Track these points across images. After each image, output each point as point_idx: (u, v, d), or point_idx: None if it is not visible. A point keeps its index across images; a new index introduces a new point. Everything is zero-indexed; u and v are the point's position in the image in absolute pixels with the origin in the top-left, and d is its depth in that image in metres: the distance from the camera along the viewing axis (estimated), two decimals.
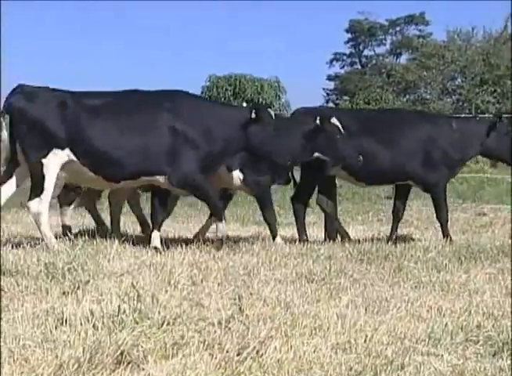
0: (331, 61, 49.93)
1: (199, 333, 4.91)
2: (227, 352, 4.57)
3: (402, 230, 11.28)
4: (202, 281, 6.76)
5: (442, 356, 4.69)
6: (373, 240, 9.89)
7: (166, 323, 5.02)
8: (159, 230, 9.35)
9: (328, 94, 47.77)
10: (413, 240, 10.28)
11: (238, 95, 43.69)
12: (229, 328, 5.00)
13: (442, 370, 4.44)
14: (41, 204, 9.02)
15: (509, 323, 5.34)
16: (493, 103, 32.26)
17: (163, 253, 8.46)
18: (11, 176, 9.13)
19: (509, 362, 4.58)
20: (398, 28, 47.27)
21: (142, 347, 4.61)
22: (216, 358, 4.50)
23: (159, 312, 5.18)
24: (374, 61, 47.53)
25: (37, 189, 9.06)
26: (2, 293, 5.99)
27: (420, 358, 4.61)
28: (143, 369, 4.41)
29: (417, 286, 6.88)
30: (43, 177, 9.04)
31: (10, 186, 9.18)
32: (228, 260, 8.00)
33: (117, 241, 9.12)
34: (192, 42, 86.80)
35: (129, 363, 4.46)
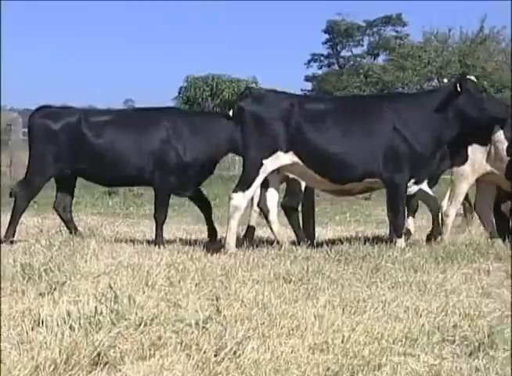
0: (309, 62, 50.17)
1: (176, 333, 4.91)
2: (204, 352, 4.57)
3: (379, 231, 11.31)
4: (179, 282, 6.75)
5: (419, 356, 4.71)
6: (350, 240, 9.90)
7: (143, 323, 5.02)
8: None
9: (305, 94, 47.87)
10: (391, 240, 10.28)
11: (215, 96, 43.68)
12: (207, 329, 5.00)
13: (419, 370, 4.46)
14: (243, 199, 9.29)
15: (485, 324, 5.37)
16: None
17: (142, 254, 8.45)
18: None
19: (485, 362, 4.60)
20: (375, 29, 47.46)
21: (118, 348, 4.61)
22: (193, 359, 4.50)
23: (136, 313, 5.17)
24: (352, 62, 47.70)
25: (244, 185, 9.33)
26: None
27: (396, 358, 4.63)
28: (120, 370, 4.41)
29: (394, 286, 6.89)
30: (256, 176, 9.30)
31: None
32: (205, 261, 8.01)
33: (94, 242, 9.12)
34: (170, 42, 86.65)
35: (106, 364, 4.46)
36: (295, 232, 10.45)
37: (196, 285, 6.62)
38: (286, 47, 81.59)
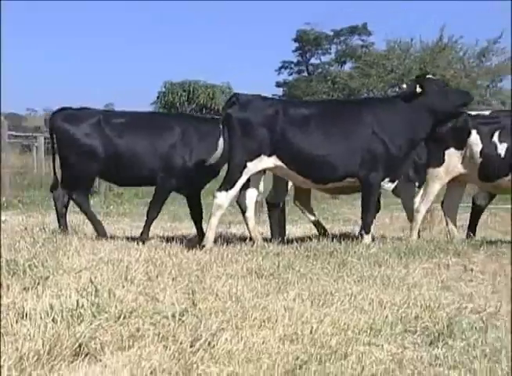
0: (280, 69, 50.12)
1: (154, 325, 4.89)
2: (180, 343, 4.56)
3: (346, 228, 11.34)
4: (157, 276, 6.73)
5: (383, 345, 4.72)
6: (318, 237, 9.93)
7: (122, 316, 5.00)
8: None
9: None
10: (357, 237, 10.30)
11: (192, 101, 43.62)
12: (183, 321, 4.99)
13: (382, 358, 4.46)
14: (226, 198, 9.37)
15: (444, 315, 5.39)
16: None
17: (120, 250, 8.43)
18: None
19: (444, 350, 4.62)
20: (342, 38, 47.51)
21: (99, 339, 4.59)
22: (170, 349, 4.49)
23: (116, 306, 5.15)
24: (320, 69, 47.71)
25: (228, 184, 9.39)
26: None
27: (361, 348, 4.63)
28: (100, 360, 4.38)
29: (360, 280, 6.91)
30: (240, 177, 9.37)
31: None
32: (182, 256, 7.99)
33: (76, 239, 9.09)
34: (149, 49, 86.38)
35: (87, 355, 4.44)
36: (271, 228, 10.48)
37: (172, 279, 6.60)
38: (259, 54, 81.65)
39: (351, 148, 9.51)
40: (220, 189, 9.38)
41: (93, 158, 10.19)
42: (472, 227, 10.67)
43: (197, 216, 10.53)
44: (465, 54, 34.73)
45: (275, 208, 10.60)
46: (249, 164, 9.37)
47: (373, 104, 10.27)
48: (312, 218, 10.96)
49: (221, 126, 9.66)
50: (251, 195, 9.74)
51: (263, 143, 9.40)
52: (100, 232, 10.19)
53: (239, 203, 9.97)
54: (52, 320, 4.84)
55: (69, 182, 10.33)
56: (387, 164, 9.55)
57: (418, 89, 9.52)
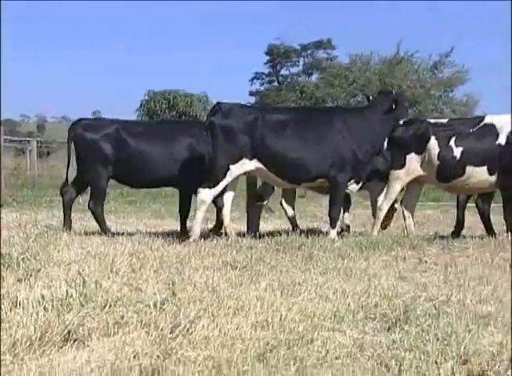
0: (252, 79, 50.06)
1: (137, 313, 4.87)
2: (161, 330, 4.54)
3: (313, 224, 11.36)
4: (140, 269, 6.70)
5: (345, 331, 4.71)
6: (288, 232, 9.94)
7: (108, 305, 4.97)
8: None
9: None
10: (322, 232, 10.33)
11: (172, 108, 43.53)
12: (163, 309, 4.97)
13: (345, 343, 4.46)
14: (209, 195, 9.47)
15: (401, 303, 5.40)
16: None
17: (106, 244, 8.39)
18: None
19: (400, 335, 4.62)
20: (309, 52, 47.53)
21: (86, 326, 4.56)
22: (152, 335, 4.46)
23: (102, 296, 5.12)
24: (289, 79, 47.68)
25: (212, 183, 9.46)
26: None
27: (326, 333, 4.63)
28: (88, 345, 4.36)
29: (325, 272, 6.92)
30: (223, 178, 9.45)
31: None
32: (163, 250, 7.97)
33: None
34: (134, 61, 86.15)
35: (75, 341, 4.41)
36: (250, 222, 10.77)
37: (154, 271, 6.58)
38: (233, 66, 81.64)
39: (323, 152, 9.61)
40: (204, 186, 9.43)
41: (109, 162, 10.19)
42: (489, 228, 10.73)
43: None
44: (419, 67, 34.88)
45: (258, 205, 10.72)
46: (232, 167, 9.43)
47: (343, 113, 10.34)
48: (290, 214, 11.08)
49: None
50: (229, 193, 9.74)
51: (244, 148, 9.46)
52: (103, 230, 10.16)
53: (216, 201, 9.98)
54: (44, 309, 4.81)
55: (86, 184, 10.32)
56: (354, 167, 9.64)
57: (394, 105, 9.83)
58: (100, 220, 10.25)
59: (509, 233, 9.52)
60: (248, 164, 9.54)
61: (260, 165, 9.57)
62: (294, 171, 9.63)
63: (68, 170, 10.63)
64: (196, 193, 9.88)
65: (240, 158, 9.48)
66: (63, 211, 10.55)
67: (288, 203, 11.09)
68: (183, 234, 9.97)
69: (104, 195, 10.43)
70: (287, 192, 11.03)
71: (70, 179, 10.51)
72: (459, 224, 10.99)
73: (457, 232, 10.82)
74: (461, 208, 11.19)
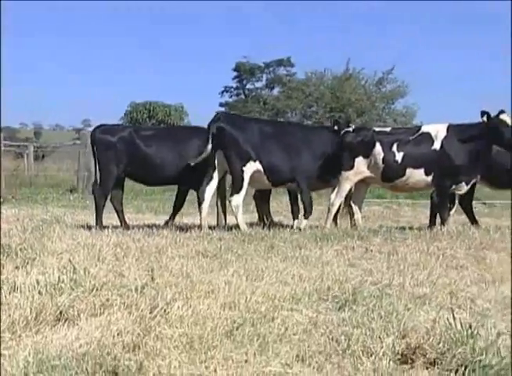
0: (222, 92, 49.99)
1: (120, 296, 4.83)
2: (141, 310, 4.51)
3: (274, 218, 11.35)
4: (123, 257, 6.66)
5: (302, 311, 4.73)
6: (252, 225, 9.95)
7: (95, 289, 4.93)
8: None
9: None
10: (282, 225, 10.35)
11: (152, 117, 43.33)
12: (143, 293, 4.94)
13: (302, 321, 4.48)
14: (239, 198, 9.61)
15: (350, 286, 5.42)
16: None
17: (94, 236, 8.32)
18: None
19: (349, 314, 4.65)
20: (271, 69, 47.53)
21: (76, 308, 4.53)
22: (133, 315, 4.44)
23: (90, 281, 5.08)
24: (254, 93, 47.61)
25: (237, 188, 9.63)
26: None
27: (285, 313, 4.64)
28: (77, 324, 4.33)
29: (285, 259, 6.92)
30: (243, 179, 9.61)
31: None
32: (143, 241, 7.92)
33: (58, 227, 8.96)
34: (118, 74, 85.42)
35: (66, 320, 4.38)
36: (263, 217, 10.87)
37: (136, 260, 6.54)
38: (206, 81, 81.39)
39: (294, 159, 9.95)
40: (232, 193, 9.70)
41: (125, 162, 10.14)
42: (472, 220, 10.77)
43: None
44: (366, 82, 34.97)
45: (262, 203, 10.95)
46: (244, 169, 9.70)
47: (312, 130, 11.04)
48: (261, 211, 11.12)
49: (209, 136, 9.76)
50: (210, 190, 9.82)
51: (251, 151, 9.73)
52: (98, 222, 10.06)
53: (199, 195, 10.01)
54: (38, 293, 4.76)
55: (105, 182, 10.20)
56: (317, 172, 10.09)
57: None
58: (99, 209, 10.13)
59: (442, 225, 9.60)
60: (254, 165, 9.77)
61: (260, 167, 9.79)
62: (277, 173, 9.93)
63: (96, 171, 10.53)
64: (196, 190, 10.07)
65: (249, 160, 9.73)
66: (116, 211, 10.43)
67: (265, 199, 11.15)
68: (169, 223, 10.21)
69: (109, 191, 10.27)
70: (263, 191, 10.99)
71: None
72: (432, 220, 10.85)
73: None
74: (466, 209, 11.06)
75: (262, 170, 9.81)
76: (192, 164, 9.83)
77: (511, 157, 10.04)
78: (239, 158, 9.68)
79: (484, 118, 9.60)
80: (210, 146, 9.70)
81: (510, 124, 9.57)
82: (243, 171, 9.67)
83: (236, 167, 9.67)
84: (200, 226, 9.71)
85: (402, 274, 6.07)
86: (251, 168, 9.74)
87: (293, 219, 10.53)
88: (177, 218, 11.15)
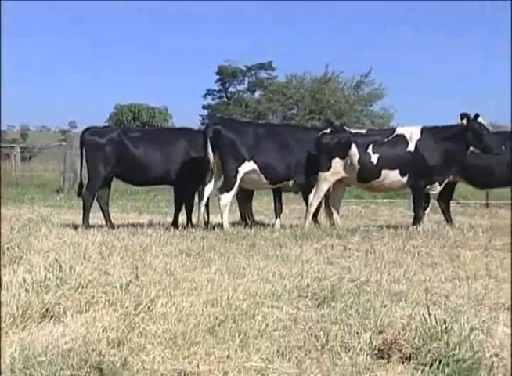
0: (205, 95, 49.87)
1: (105, 294, 4.82)
2: (126, 307, 4.50)
3: (255, 218, 11.35)
4: (108, 256, 6.63)
5: (282, 307, 4.73)
6: (234, 224, 9.95)
7: (81, 287, 4.91)
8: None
9: (203, 119, 47.64)
10: (263, 224, 10.36)
11: (136, 119, 43.18)
12: (128, 290, 4.93)
13: (282, 317, 4.48)
14: (229, 197, 9.71)
15: (329, 283, 5.44)
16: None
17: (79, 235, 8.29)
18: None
19: (328, 310, 4.66)
20: (252, 72, 47.44)
21: (62, 305, 4.51)
22: (118, 312, 4.43)
23: (75, 279, 5.05)
24: (236, 96, 47.54)
25: (228, 187, 9.69)
26: None
27: (266, 309, 4.64)
28: (63, 321, 4.31)
29: (266, 257, 6.93)
30: (235, 179, 9.70)
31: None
32: (128, 240, 7.90)
33: (44, 226, 8.92)
34: (103, 78, 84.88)
35: (52, 317, 4.37)
36: (245, 216, 10.91)
37: (120, 258, 6.52)
38: (189, 84, 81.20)
39: (290, 160, 10.16)
40: (222, 191, 9.72)
41: (114, 163, 10.07)
42: (448, 219, 10.79)
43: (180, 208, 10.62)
44: (344, 85, 35.11)
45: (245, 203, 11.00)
46: (239, 169, 9.82)
47: (306, 131, 11.03)
48: (244, 211, 11.12)
49: (207, 140, 9.85)
50: (208, 190, 9.91)
51: (246, 152, 9.87)
52: (84, 222, 9.98)
53: (199, 193, 10.19)
54: (25, 290, 4.74)
55: (93, 182, 10.11)
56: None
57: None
58: (86, 209, 10.07)
59: (417, 224, 9.65)
60: (248, 165, 9.89)
61: (255, 167, 9.94)
62: (275, 173, 10.09)
63: (81, 173, 10.46)
64: (188, 189, 10.17)
65: (244, 160, 9.86)
66: (103, 215, 10.34)
67: (248, 199, 11.16)
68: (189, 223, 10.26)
69: (97, 191, 10.20)
70: (246, 191, 11.00)
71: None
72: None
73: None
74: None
75: (258, 170, 9.89)
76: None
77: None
78: (235, 159, 9.79)
79: (464, 121, 9.70)
80: (210, 150, 9.76)
81: (487, 127, 9.70)
82: (237, 172, 9.77)
83: (230, 167, 9.76)
84: (186, 226, 9.78)
85: (379, 272, 6.10)
86: (246, 168, 9.83)
87: (276, 218, 10.52)
88: (160, 218, 11.14)
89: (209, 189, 9.84)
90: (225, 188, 9.75)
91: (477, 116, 9.68)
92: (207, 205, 10.63)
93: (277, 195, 10.70)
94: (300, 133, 10.68)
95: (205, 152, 9.78)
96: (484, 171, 10.32)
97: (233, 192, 9.78)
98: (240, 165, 9.81)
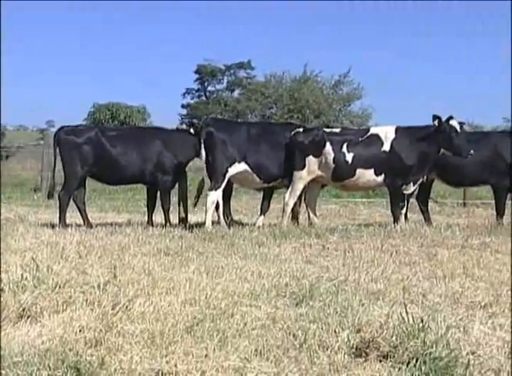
0: (184, 94, 49.75)
1: (83, 293, 4.80)
2: (104, 307, 4.48)
3: (234, 217, 11.35)
4: (86, 255, 6.60)
5: (260, 306, 4.73)
6: (213, 223, 9.93)
7: (58, 286, 4.89)
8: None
9: (182, 118, 47.53)
10: (242, 224, 10.35)
11: (115, 118, 42.97)
12: (106, 290, 4.91)
13: (260, 316, 4.48)
14: (216, 195, 9.81)
15: (307, 282, 5.45)
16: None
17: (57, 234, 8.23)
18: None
19: (306, 309, 4.67)
20: (232, 71, 47.44)
21: (39, 305, 4.48)
22: (95, 312, 4.41)
23: (53, 279, 5.03)
24: (215, 95, 47.47)
25: (216, 185, 9.77)
26: None
27: (244, 308, 4.64)
28: (40, 321, 4.29)
29: (244, 257, 6.93)
30: (224, 178, 9.80)
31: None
32: (106, 239, 7.87)
33: (21, 226, 8.86)
34: (79, 76, 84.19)
35: (29, 317, 4.34)
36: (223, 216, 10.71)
37: (98, 257, 6.49)
38: (168, 83, 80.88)
39: (280, 158, 10.18)
40: (211, 188, 9.81)
41: (91, 163, 9.99)
42: (427, 218, 10.77)
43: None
44: (323, 85, 35.17)
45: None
46: (229, 169, 9.90)
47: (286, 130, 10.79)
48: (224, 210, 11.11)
49: (202, 140, 9.95)
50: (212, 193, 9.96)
51: (236, 153, 9.95)
52: (61, 222, 9.89)
53: (162, 195, 10.29)
54: (1, 290, 4.70)
55: (70, 182, 10.02)
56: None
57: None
58: (63, 210, 9.99)
59: (395, 223, 9.70)
60: (238, 166, 9.99)
61: (246, 167, 10.02)
62: (266, 172, 10.17)
63: (54, 174, 10.38)
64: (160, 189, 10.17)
65: (234, 161, 9.93)
66: (80, 216, 10.22)
67: (227, 199, 11.14)
68: (149, 221, 10.25)
69: (73, 191, 10.12)
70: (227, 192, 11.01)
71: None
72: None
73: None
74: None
75: (250, 170, 9.99)
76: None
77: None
78: (225, 159, 9.88)
79: (436, 122, 9.76)
80: (203, 152, 9.89)
81: (458, 130, 9.73)
82: (226, 171, 9.87)
83: (220, 165, 9.83)
84: (164, 225, 9.79)
85: (357, 271, 6.12)
86: (237, 169, 9.93)
87: (260, 215, 10.53)
88: (139, 217, 11.10)
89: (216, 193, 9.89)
90: (213, 186, 9.80)
91: (450, 118, 9.76)
92: (185, 205, 10.62)
93: (268, 193, 10.68)
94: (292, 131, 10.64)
95: (199, 153, 9.97)
96: (458, 170, 10.37)
97: (221, 190, 9.82)
98: (231, 166, 9.90)
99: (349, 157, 9.96)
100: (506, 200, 10.78)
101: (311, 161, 10.03)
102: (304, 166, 10.04)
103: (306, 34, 70.55)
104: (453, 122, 9.75)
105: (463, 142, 9.71)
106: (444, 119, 9.78)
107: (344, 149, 9.97)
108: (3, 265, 5.73)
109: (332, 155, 9.97)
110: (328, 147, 10.00)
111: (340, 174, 10.01)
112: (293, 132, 10.26)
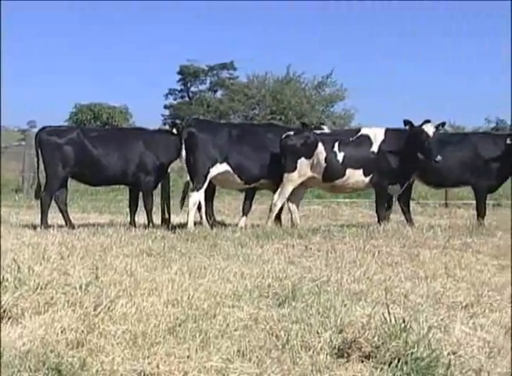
0: (167, 95, 49.63)
1: (65, 294, 4.77)
2: (86, 308, 4.46)
3: (217, 218, 11.34)
4: (68, 256, 6.57)
5: (243, 307, 4.73)
6: (196, 224, 9.93)
7: (39, 287, 4.84)
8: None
9: (165, 118, 47.43)
10: (225, 224, 10.35)
11: (97, 119, 42.79)
12: (88, 291, 4.88)
13: (243, 317, 4.48)
14: (198, 196, 9.81)
15: (290, 283, 5.45)
16: None
17: (40, 235, 8.18)
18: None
19: (289, 310, 4.67)
20: (214, 72, 47.39)
21: (20, 306, 4.45)
22: (77, 313, 4.39)
23: (34, 280, 4.98)
24: (198, 95, 47.40)
25: (198, 185, 9.79)
26: None
27: (227, 309, 4.64)
28: (21, 322, 4.25)
29: (227, 257, 6.93)
30: (205, 179, 9.82)
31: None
32: (88, 240, 7.83)
33: (3, 227, 8.80)
34: (62, 76, 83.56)
35: (10, 318, 4.31)
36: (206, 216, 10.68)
37: (80, 258, 6.46)
38: (151, 83, 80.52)
39: (266, 158, 10.24)
40: (193, 189, 9.80)
41: (72, 163, 9.91)
42: (409, 219, 10.69)
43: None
44: (306, 86, 35.31)
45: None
46: (211, 170, 9.92)
47: (280, 130, 10.82)
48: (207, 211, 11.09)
49: (183, 141, 9.97)
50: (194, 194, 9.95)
51: (218, 154, 9.98)
52: (42, 222, 9.83)
53: (145, 196, 10.27)
54: None
55: (51, 183, 9.94)
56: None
57: None
58: (44, 211, 9.94)
59: (379, 223, 9.74)
60: (220, 167, 10.01)
61: (228, 168, 10.05)
62: (248, 172, 10.19)
63: (39, 175, 10.31)
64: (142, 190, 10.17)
65: (216, 162, 9.96)
66: (63, 217, 10.16)
67: (210, 199, 11.13)
68: (132, 222, 10.22)
69: (55, 192, 10.06)
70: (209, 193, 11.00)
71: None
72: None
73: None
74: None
75: (231, 171, 10.01)
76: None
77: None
78: (207, 159, 9.90)
79: (407, 127, 9.87)
80: (184, 152, 9.87)
81: (430, 134, 9.73)
82: (208, 172, 9.87)
83: (202, 166, 9.84)
84: (147, 226, 9.77)
85: (339, 271, 6.14)
86: (218, 170, 9.95)
87: (242, 216, 10.52)
88: (122, 218, 11.06)
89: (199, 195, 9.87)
90: (195, 186, 9.79)
91: (425, 122, 9.83)
92: (168, 205, 10.60)
93: (249, 194, 10.68)
94: (276, 132, 10.63)
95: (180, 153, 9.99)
96: (438, 171, 10.41)
97: (203, 190, 9.82)
98: (212, 166, 9.92)
99: (340, 156, 10.02)
100: (486, 200, 10.84)
101: (303, 163, 10.08)
102: (295, 168, 10.07)
103: (289, 34, 70.56)
104: (427, 126, 9.79)
105: (433, 147, 9.70)
106: (421, 122, 9.84)
107: (336, 148, 10.05)
108: None
109: (324, 154, 10.03)
110: (320, 147, 10.06)
111: (331, 174, 10.06)
112: (283, 135, 10.26)
